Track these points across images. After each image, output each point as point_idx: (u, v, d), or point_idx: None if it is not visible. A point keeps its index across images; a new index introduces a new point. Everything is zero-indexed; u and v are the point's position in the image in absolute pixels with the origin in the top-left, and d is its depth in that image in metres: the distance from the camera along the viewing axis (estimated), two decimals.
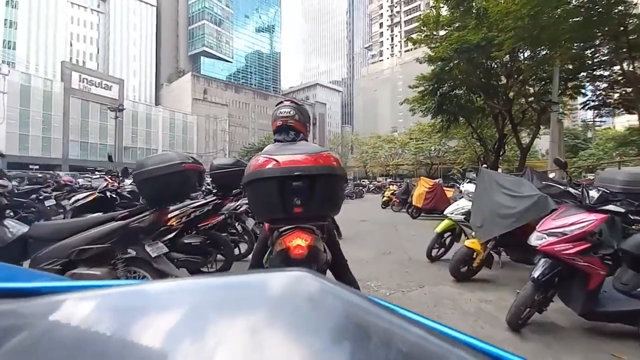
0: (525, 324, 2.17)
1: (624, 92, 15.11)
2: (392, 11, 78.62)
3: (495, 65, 15.34)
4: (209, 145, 54.60)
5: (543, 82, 15.46)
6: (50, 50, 49.08)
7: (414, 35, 17.79)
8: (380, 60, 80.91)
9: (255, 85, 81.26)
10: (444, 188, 9.19)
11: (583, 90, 16.63)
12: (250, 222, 3.88)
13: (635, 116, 18.56)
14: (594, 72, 15.18)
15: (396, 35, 77.59)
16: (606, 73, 15.00)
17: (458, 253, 3.27)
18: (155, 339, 0.22)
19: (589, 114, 40.96)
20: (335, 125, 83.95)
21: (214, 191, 3.46)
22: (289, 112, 1.87)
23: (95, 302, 0.27)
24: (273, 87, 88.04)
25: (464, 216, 3.84)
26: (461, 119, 18.77)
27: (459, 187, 6.10)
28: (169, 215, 2.84)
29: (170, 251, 2.85)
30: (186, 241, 2.90)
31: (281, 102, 1.99)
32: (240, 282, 0.29)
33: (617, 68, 14.28)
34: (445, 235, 4.12)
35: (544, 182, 2.95)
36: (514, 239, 3.03)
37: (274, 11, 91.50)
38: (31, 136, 35.58)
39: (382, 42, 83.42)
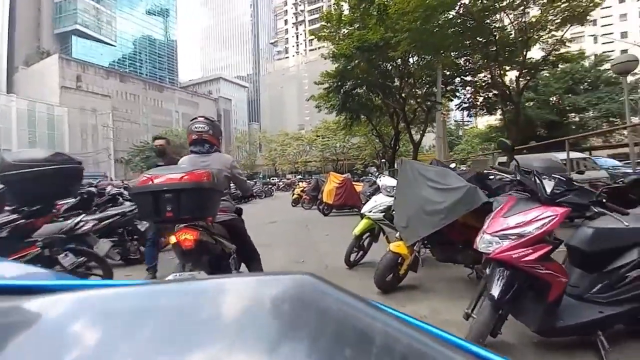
0: None
1: (486, 96, 18.17)
2: (296, 9, 79.10)
3: (390, 67, 16.56)
4: (87, 144, 45.39)
5: (428, 85, 17.45)
6: None
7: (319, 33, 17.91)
8: (286, 57, 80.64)
9: (147, 75, 71.52)
10: (353, 183, 9.10)
11: (457, 94, 19.42)
12: (103, 246, 2.63)
13: (493, 116, 22.80)
14: (465, 78, 17.86)
15: (301, 34, 78.49)
16: (474, 79, 17.74)
17: (383, 260, 2.78)
18: (156, 339, 0.21)
19: (459, 115, 49.12)
20: (242, 123, 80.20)
21: (14, 207, 2.10)
22: (204, 128, 2.31)
23: (97, 301, 0.27)
24: (169, 79, 79.15)
25: (383, 214, 3.42)
26: (362, 116, 19.97)
27: (370, 181, 5.84)
28: None
29: None
30: None
31: (195, 118, 2.40)
32: (243, 284, 0.29)
33: (482, 75, 16.99)
34: (364, 236, 3.66)
35: (487, 171, 2.67)
36: (441, 237, 2.67)
37: None
38: None
39: (287, 39, 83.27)
